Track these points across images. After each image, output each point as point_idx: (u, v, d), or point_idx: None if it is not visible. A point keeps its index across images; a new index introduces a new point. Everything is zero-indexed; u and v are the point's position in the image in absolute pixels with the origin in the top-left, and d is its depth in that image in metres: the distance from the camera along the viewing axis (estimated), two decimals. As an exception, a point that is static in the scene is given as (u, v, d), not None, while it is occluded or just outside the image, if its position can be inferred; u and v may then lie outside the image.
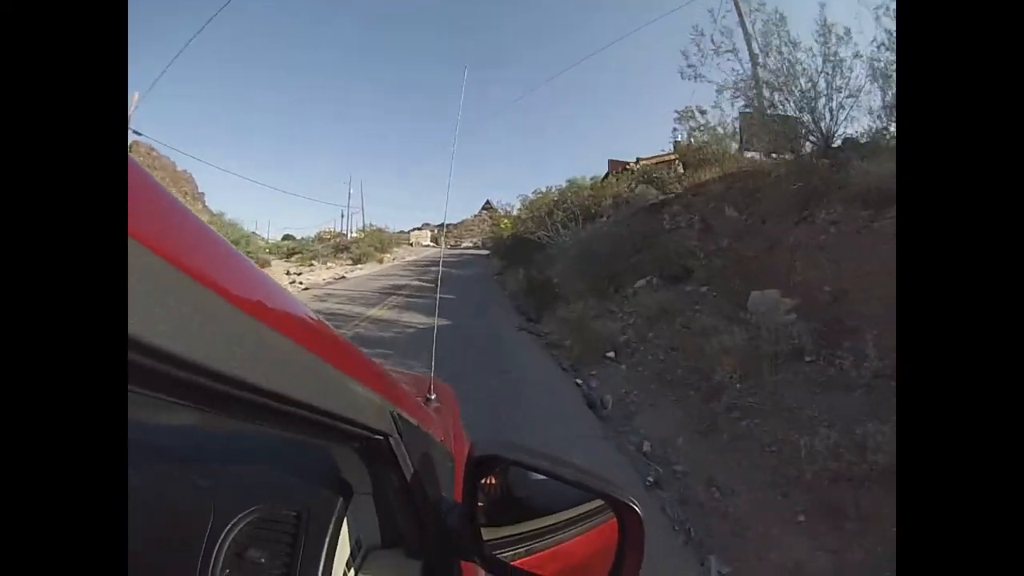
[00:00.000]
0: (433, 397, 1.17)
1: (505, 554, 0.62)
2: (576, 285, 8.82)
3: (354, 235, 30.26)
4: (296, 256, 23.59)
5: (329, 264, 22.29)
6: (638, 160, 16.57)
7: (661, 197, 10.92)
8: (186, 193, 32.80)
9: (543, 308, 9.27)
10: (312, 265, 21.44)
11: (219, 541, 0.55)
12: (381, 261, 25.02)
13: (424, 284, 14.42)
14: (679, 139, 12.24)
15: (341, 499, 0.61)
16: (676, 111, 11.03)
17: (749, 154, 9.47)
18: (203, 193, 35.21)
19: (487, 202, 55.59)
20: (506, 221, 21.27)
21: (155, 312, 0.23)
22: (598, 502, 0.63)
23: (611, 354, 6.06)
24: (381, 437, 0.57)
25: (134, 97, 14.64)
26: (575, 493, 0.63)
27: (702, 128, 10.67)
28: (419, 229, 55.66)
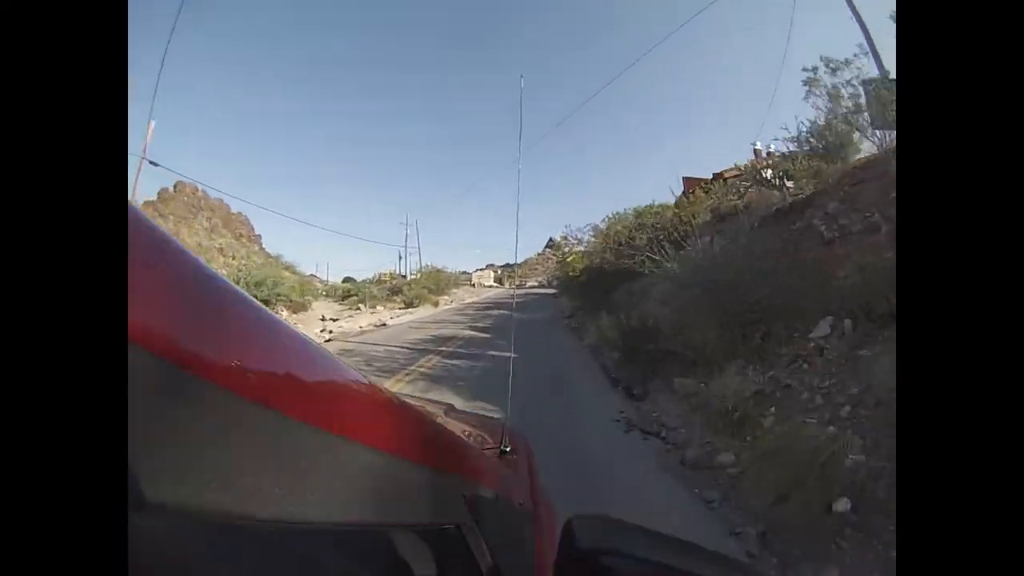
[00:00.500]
0: (508, 450, 1.02)
1: None
2: (696, 335, 5.49)
3: (413, 276, 29.67)
4: (350, 299, 22.54)
5: (378, 307, 20.75)
6: (715, 176, 14.07)
7: (791, 199, 7.86)
8: (241, 235, 33.18)
9: (649, 374, 5.89)
10: (359, 308, 20.34)
11: None
12: (436, 304, 23.34)
13: (477, 335, 11.34)
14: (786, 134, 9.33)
15: None
16: (805, 69, 8.40)
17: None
18: (259, 235, 35.62)
19: (550, 240, 57.03)
20: (576, 253, 18.19)
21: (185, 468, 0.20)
22: None
23: (844, 505, 2.51)
24: (452, 527, 0.50)
25: (150, 126, 14.49)
26: None
27: (840, 96, 8.00)
28: (482, 270, 56.93)
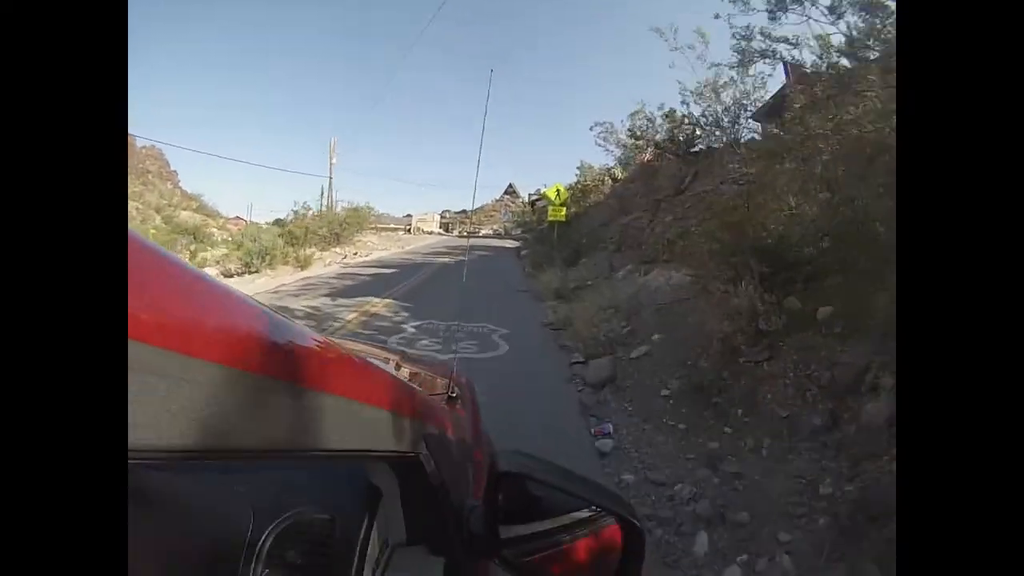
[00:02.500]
0: (455, 395, 1.21)
1: (519, 551, 0.67)
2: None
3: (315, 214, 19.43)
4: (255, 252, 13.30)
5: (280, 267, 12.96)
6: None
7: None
8: (148, 172, 27.45)
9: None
10: (257, 270, 12.71)
11: (259, 544, 0.58)
12: (306, 264, 13.51)
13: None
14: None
15: (370, 502, 0.65)
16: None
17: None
18: (175, 172, 30.47)
19: (510, 186, 50.06)
20: (559, 187, 15.00)
21: (152, 403, 0.23)
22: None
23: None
24: (412, 455, 0.61)
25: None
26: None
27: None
28: (425, 214, 47.81)
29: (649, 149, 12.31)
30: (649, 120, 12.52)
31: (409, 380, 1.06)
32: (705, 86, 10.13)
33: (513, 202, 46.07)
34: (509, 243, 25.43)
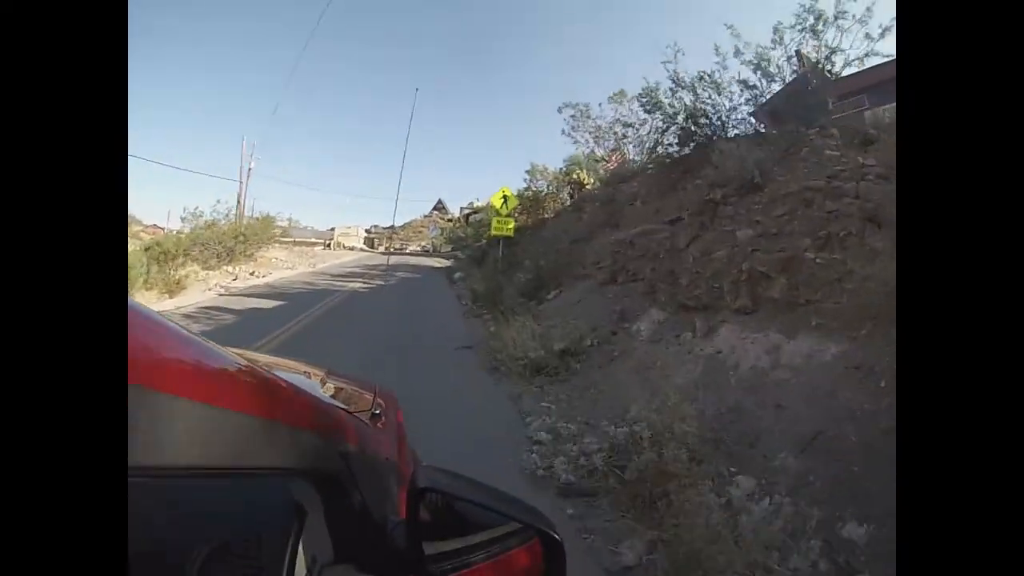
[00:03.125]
0: (378, 413, 1.24)
1: (442, 567, 0.69)
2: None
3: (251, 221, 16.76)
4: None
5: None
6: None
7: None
8: None
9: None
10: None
11: (189, 567, 0.58)
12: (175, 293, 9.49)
13: None
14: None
15: (296, 521, 0.66)
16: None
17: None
18: None
19: (439, 202, 48.62)
20: (506, 191, 12.84)
21: None
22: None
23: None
24: (331, 472, 0.64)
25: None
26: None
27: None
28: (348, 228, 44.22)
29: (672, 129, 7.63)
30: (673, 87, 7.50)
31: (333, 396, 1.09)
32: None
33: (442, 218, 44.25)
34: (438, 262, 23.59)
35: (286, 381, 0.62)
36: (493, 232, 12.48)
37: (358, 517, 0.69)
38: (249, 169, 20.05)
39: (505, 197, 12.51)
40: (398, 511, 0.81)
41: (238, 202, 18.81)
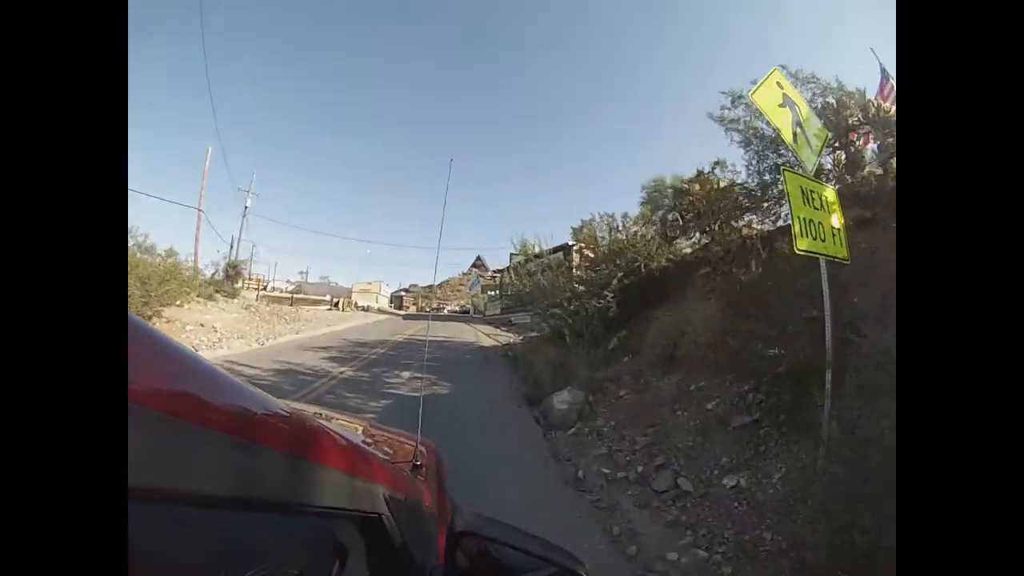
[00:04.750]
0: (419, 464, 1.31)
1: None
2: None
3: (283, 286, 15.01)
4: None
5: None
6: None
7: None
8: None
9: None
10: None
11: None
12: None
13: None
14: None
15: (338, 561, 0.69)
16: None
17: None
18: None
19: (478, 259, 45.86)
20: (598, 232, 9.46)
21: (153, 456, 0.28)
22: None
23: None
24: (375, 516, 0.68)
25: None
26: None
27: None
28: (369, 283, 37.75)
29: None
30: None
31: (375, 446, 1.15)
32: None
33: (482, 275, 39.94)
34: (485, 333, 15.53)
35: (332, 429, 0.67)
36: (802, 247, 3.12)
37: (398, 560, 0.71)
38: (246, 208, 18.24)
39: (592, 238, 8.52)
40: (438, 556, 0.84)
41: (230, 246, 16.91)
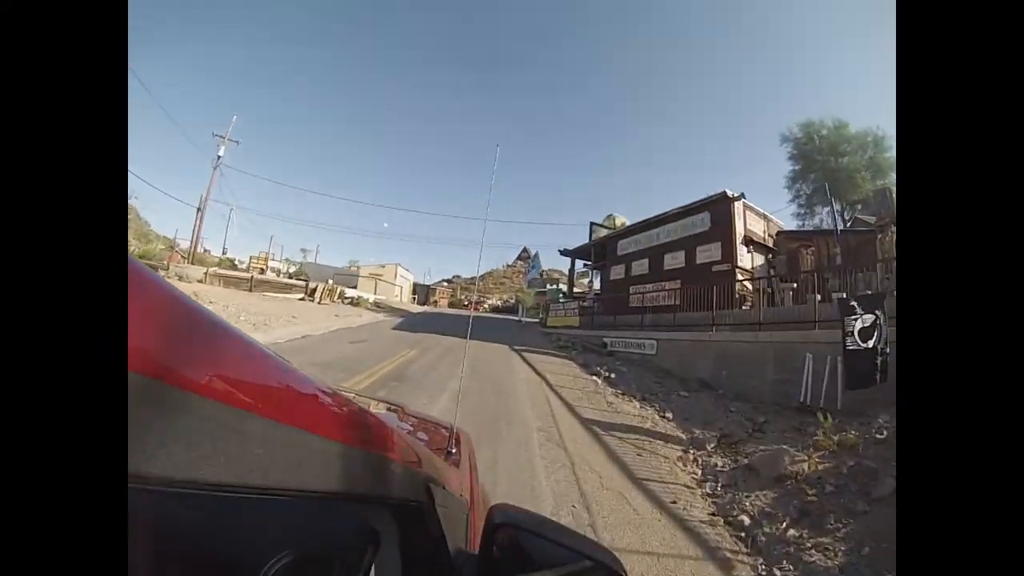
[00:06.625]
0: (454, 451, 1.29)
1: None
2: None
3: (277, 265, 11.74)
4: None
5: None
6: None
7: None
8: None
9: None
10: None
11: None
12: None
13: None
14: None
15: (371, 547, 0.67)
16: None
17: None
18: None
19: (524, 250, 42.33)
20: None
21: (192, 443, 0.27)
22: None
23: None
24: (412, 503, 0.66)
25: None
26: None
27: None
28: (383, 266, 30.13)
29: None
30: None
31: (412, 432, 1.12)
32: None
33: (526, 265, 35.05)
34: (535, 322, 12.10)
35: (372, 413, 0.65)
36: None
37: (431, 547, 0.70)
38: (218, 159, 14.13)
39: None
40: (470, 545, 0.84)
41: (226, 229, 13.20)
